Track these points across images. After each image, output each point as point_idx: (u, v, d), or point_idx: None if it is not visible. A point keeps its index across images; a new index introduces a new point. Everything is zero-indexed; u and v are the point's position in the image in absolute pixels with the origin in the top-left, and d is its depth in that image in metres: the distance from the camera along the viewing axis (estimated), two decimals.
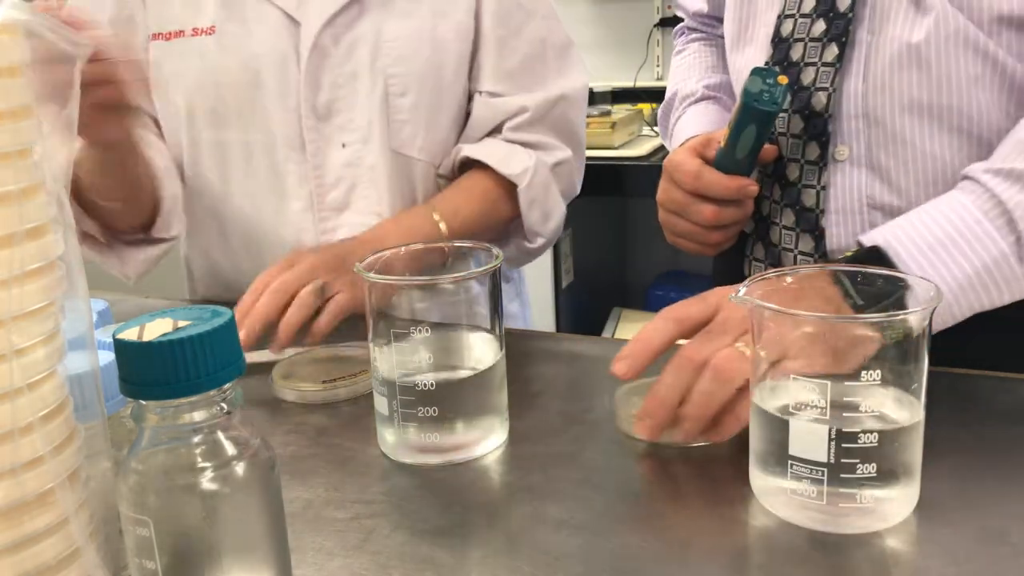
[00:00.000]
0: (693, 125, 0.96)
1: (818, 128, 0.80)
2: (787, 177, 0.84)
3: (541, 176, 1.00)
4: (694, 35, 1.09)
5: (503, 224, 1.02)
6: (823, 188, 0.81)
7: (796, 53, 0.81)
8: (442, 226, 0.95)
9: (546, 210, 1.02)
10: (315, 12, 0.95)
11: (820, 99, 0.79)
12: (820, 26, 0.79)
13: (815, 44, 0.80)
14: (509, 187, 1.00)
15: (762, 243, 0.88)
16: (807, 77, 0.80)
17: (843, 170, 0.80)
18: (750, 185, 0.82)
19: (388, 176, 0.99)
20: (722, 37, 0.96)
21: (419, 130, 1.00)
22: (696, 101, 1.00)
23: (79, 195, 0.91)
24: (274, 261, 1.01)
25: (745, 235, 0.90)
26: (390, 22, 0.97)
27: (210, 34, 0.97)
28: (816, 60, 0.79)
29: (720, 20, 0.98)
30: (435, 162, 1.03)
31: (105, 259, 0.99)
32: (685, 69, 1.05)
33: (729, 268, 0.93)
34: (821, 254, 0.82)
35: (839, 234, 0.81)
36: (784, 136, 0.83)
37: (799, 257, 0.84)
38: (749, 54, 0.88)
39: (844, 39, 0.77)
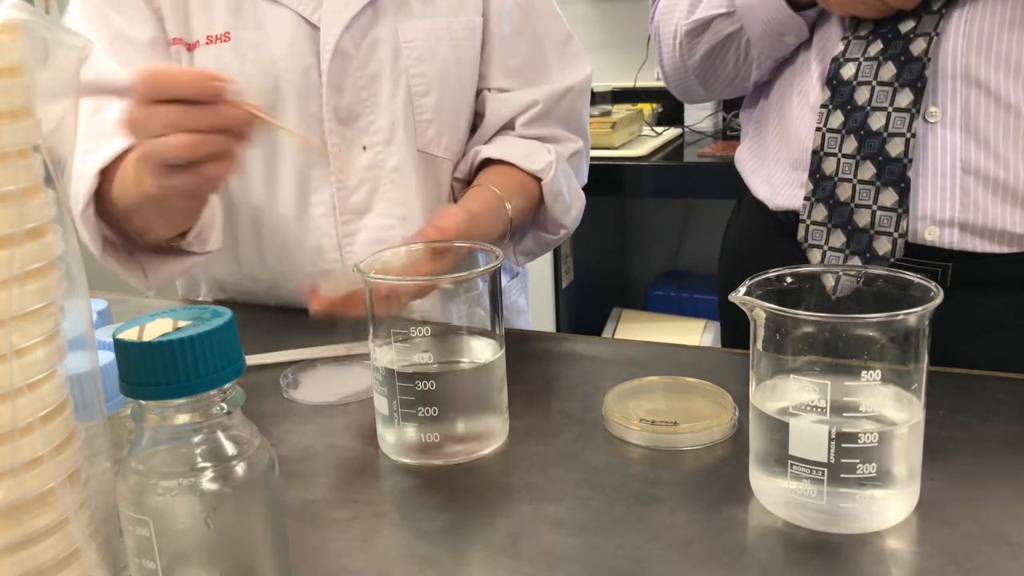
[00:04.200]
0: None
1: (913, 74, 0.77)
2: (869, 127, 0.79)
3: (561, 169, 1.01)
4: None
5: (533, 213, 1.03)
6: (912, 135, 0.77)
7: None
8: (509, 209, 0.95)
9: (568, 202, 1.03)
10: (334, 16, 0.94)
11: (920, 44, 0.76)
12: None
13: None
14: (535, 180, 1.00)
15: (824, 204, 0.83)
16: (905, 26, 0.77)
17: (935, 132, 0.77)
18: None
19: (416, 176, 0.99)
20: None
21: (443, 129, 1.00)
22: None
23: (104, 204, 0.86)
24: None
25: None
26: (406, 22, 0.97)
27: (225, 41, 0.95)
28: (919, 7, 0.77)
29: None
30: (455, 161, 1.04)
31: (127, 269, 0.93)
32: None
33: (738, 268, 0.86)
34: (904, 210, 0.78)
35: (927, 197, 0.78)
36: (868, 84, 0.80)
37: (879, 213, 0.79)
38: None
39: None
